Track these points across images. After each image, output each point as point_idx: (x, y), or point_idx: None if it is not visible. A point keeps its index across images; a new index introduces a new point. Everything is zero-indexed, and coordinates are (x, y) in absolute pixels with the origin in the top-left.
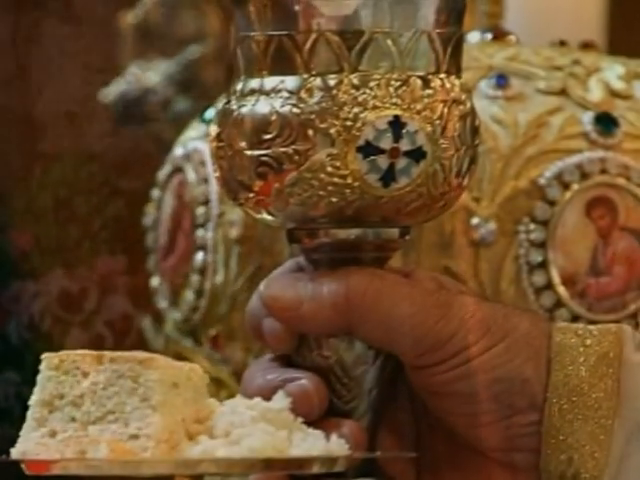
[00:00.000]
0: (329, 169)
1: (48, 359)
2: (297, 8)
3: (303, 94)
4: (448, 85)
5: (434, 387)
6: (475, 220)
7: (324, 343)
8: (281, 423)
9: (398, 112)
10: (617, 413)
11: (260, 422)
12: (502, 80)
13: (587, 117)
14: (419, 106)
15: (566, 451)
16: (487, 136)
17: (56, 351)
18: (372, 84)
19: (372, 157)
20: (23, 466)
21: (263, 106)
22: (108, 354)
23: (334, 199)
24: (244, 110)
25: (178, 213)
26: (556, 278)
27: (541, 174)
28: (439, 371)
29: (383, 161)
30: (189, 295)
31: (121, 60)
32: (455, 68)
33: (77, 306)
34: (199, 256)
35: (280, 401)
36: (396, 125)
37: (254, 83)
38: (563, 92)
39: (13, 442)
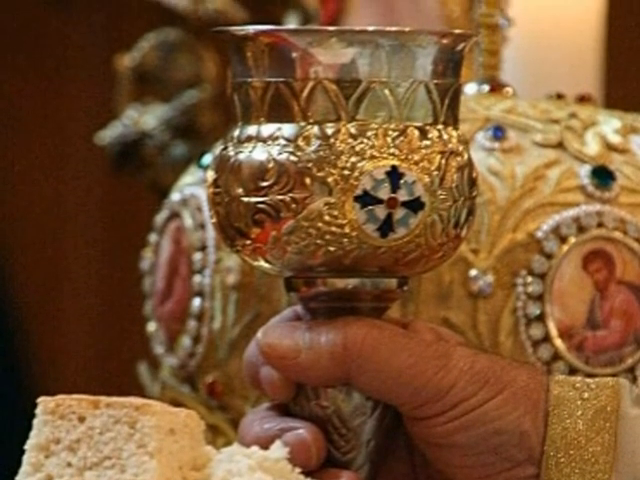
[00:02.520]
0: (326, 218)
1: (44, 403)
2: (294, 55)
3: (300, 142)
4: (446, 136)
5: (433, 438)
6: (473, 272)
7: (322, 393)
8: (279, 473)
9: (396, 162)
10: (614, 468)
11: (257, 471)
12: (499, 132)
13: (584, 170)
14: (417, 157)
15: None
16: (484, 188)
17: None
18: (370, 134)
19: (370, 207)
20: None
21: (260, 153)
22: (104, 399)
23: (332, 248)
24: (241, 157)
25: (175, 258)
26: (553, 331)
27: (538, 227)
28: (438, 422)
29: (381, 211)
30: (186, 341)
31: (117, 103)
32: (452, 119)
33: None
34: (196, 302)
35: (278, 451)
36: (394, 175)
37: (251, 130)
38: (560, 145)
39: None
